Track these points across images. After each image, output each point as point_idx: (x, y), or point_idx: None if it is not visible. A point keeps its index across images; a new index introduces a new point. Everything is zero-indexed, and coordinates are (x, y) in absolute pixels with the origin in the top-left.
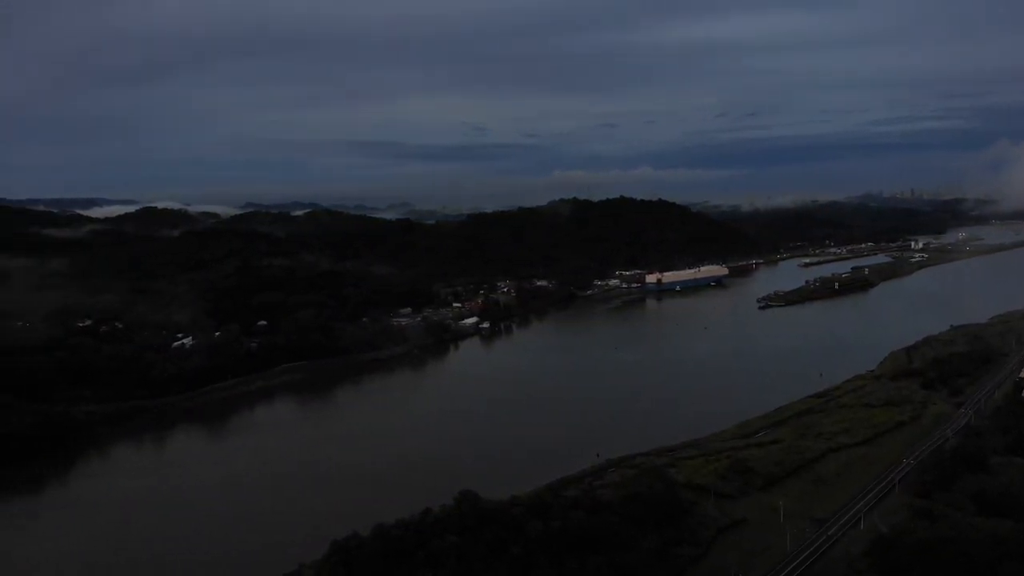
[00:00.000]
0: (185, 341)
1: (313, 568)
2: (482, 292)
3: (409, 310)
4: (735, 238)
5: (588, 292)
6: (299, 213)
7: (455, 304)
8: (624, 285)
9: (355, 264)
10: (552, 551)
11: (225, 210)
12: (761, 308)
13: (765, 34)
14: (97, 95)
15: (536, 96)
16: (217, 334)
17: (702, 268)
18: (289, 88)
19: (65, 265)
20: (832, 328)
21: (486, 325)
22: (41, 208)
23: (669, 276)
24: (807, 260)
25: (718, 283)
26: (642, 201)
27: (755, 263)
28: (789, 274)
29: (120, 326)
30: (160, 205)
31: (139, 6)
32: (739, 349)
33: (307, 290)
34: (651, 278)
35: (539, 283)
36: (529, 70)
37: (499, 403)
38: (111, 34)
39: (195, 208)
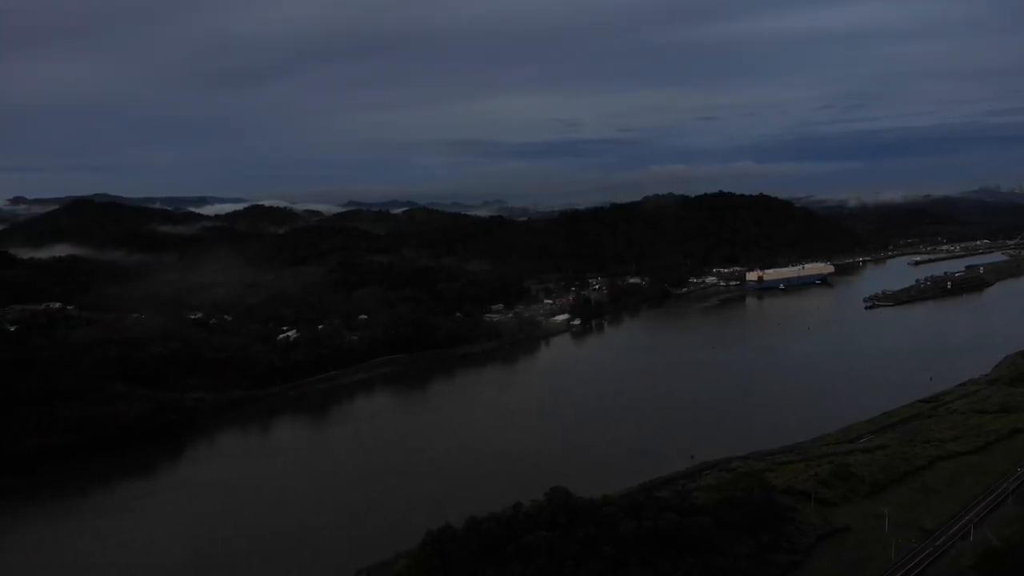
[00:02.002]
0: (290, 333)
1: (408, 557)
2: (574, 289)
3: (501, 306)
4: (841, 234)
5: (683, 290)
6: (398, 211)
7: (546, 300)
8: (722, 283)
9: (450, 260)
10: (644, 552)
11: (328, 208)
12: (868, 308)
13: (872, 22)
14: (207, 97)
15: (631, 90)
16: (320, 327)
17: (806, 266)
18: (389, 89)
19: (179, 260)
20: (944, 330)
21: (577, 322)
22: (157, 206)
23: (771, 274)
24: (917, 258)
25: (823, 281)
26: (742, 196)
27: (862, 261)
28: (898, 272)
29: (229, 319)
30: (267, 203)
31: (246, 12)
32: (844, 351)
33: (404, 285)
34: (751, 275)
35: (632, 280)
36: (623, 64)
37: (590, 400)
38: (220, 39)
39: (300, 206)
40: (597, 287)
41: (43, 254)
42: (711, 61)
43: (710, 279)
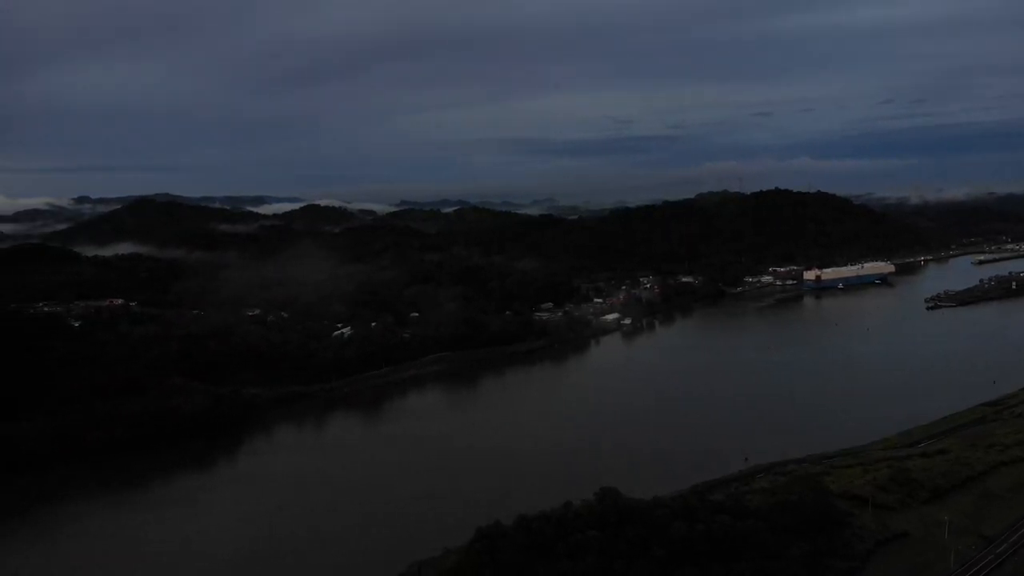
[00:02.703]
0: (344, 330)
1: (458, 554)
2: (624, 287)
3: (551, 305)
4: (902, 233)
5: (738, 289)
6: (448, 210)
7: (596, 299)
8: (778, 282)
9: (499, 259)
10: (696, 555)
11: (381, 207)
12: (929, 309)
13: (935, 15)
14: (264, 99)
15: (683, 87)
16: (373, 324)
17: (865, 265)
18: (440, 89)
19: (237, 258)
20: (1008, 332)
21: (628, 321)
22: (216, 205)
23: (829, 273)
24: (981, 257)
25: (882, 281)
26: (799, 193)
27: (923, 260)
28: (961, 272)
29: (286, 316)
30: (323, 203)
31: (300, 15)
32: (904, 353)
33: (455, 283)
34: (809, 275)
35: (684, 279)
36: (676, 61)
37: (640, 400)
38: (276, 42)
39: (354, 205)
40: (648, 286)
41: (107, 252)
42: (767, 56)
43: (766, 278)
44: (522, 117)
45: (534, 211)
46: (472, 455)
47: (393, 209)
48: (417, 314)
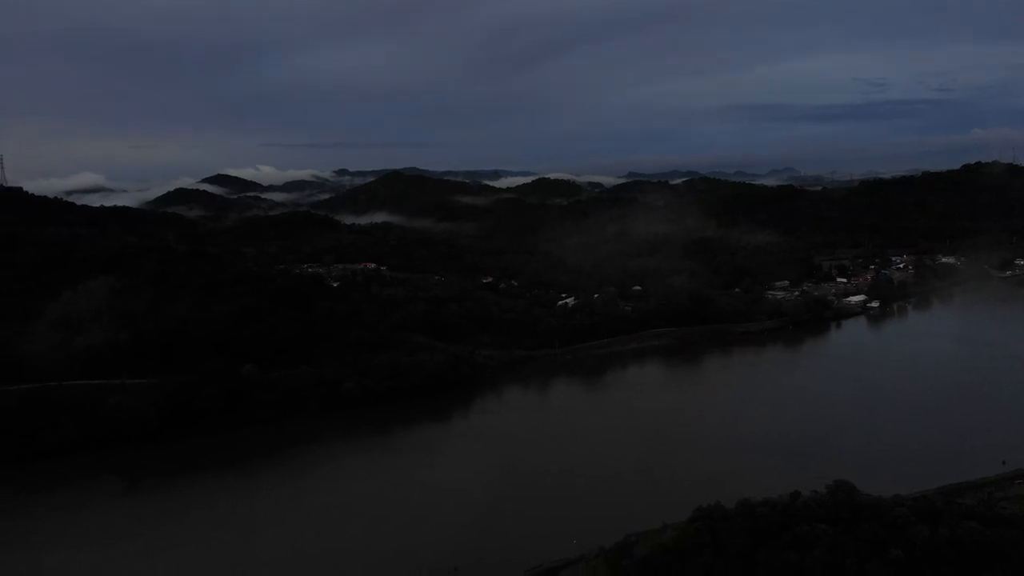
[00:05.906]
0: (568, 300)
1: (676, 529)
2: (872, 267)
3: (786, 283)
4: None
5: (1008, 272)
6: (677, 181)
7: (839, 279)
8: None
9: (731, 232)
10: (938, 561)
11: (608, 180)
12: None
13: None
14: (499, 77)
15: (950, 45)
16: (596, 296)
17: None
18: (669, 59)
19: (475, 228)
20: None
21: (875, 304)
22: (458, 179)
23: None
24: None
25: None
26: None
27: None
28: None
29: (515, 284)
30: (552, 176)
31: None
32: None
33: (680, 257)
34: None
35: (944, 259)
36: (939, 16)
37: (883, 391)
38: (510, 20)
39: (583, 178)
40: (901, 266)
41: (363, 220)
42: None
43: None
44: (758, 83)
45: (771, 181)
46: (691, 432)
47: (621, 181)
48: (639, 287)
